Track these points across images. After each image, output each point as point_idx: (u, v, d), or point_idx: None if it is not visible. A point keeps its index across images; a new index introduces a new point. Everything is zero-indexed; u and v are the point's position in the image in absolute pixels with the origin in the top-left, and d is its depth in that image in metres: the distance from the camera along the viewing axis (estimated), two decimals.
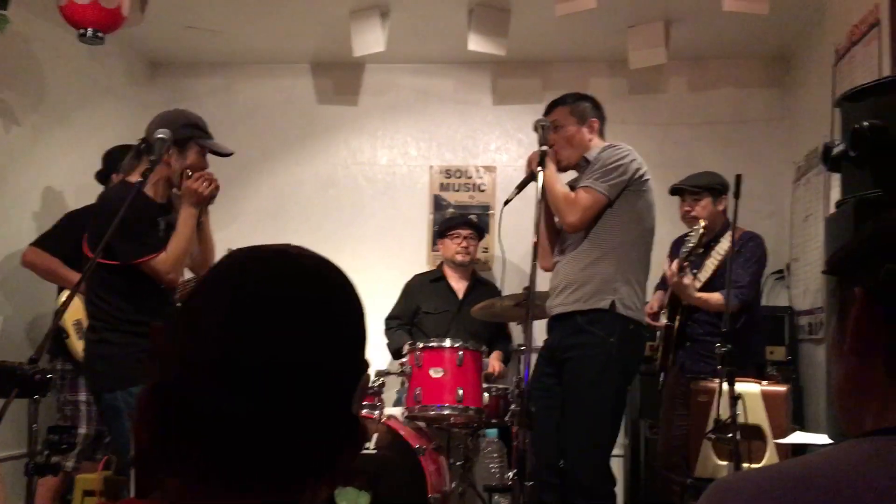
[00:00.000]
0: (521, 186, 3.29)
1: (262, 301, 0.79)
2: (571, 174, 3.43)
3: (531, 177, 3.25)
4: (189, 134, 3.02)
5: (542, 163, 2.97)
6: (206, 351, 0.78)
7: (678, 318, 3.83)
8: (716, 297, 3.67)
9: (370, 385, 3.73)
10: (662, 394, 4.00)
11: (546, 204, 3.13)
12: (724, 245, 3.71)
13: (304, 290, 0.82)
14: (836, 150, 2.44)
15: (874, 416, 0.86)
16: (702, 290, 3.73)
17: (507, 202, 3.26)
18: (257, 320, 0.78)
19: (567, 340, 3.15)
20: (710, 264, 3.75)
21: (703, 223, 3.63)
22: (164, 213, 3.09)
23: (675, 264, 3.70)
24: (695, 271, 3.78)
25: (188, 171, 3.02)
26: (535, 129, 3.14)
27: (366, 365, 0.85)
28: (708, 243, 3.82)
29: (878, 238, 0.89)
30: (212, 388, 0.76)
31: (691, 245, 3.61)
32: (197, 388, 0.77)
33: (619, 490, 4.60)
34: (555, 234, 3.39)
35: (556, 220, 3.34)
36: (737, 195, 3.09)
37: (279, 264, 0.83)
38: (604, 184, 3.13)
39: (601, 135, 3.35)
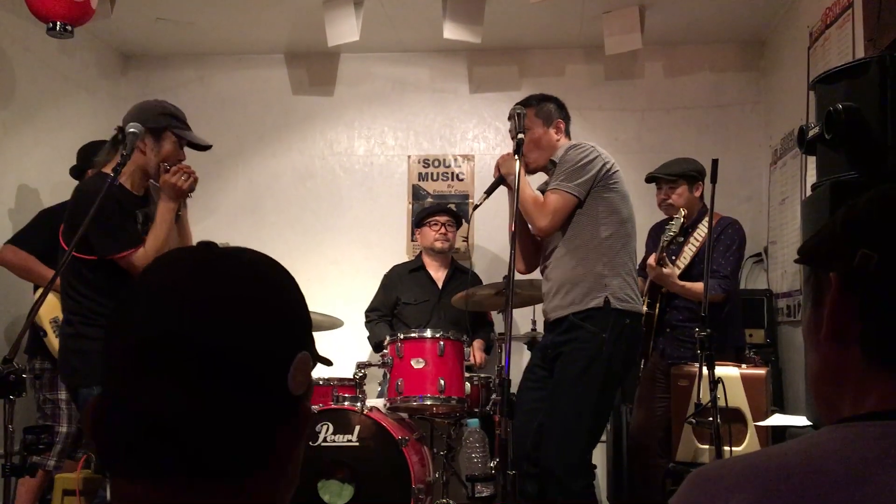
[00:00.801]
0: (489, 190, 3.27)
1: (180, 293, 0.80)
2: (541, 178, 3.42)
3: (500, 180, 3.25)
4: (165, 123, 2.98)
5: (518, 151, 2.95)
6: (131, 351, 0.79)
7: (658, 305, 3.85)
8: (699, 286, 3.67)
9: (354, 377, 3.71)
10: (640, 378, 4.02)
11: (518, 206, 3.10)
12: (702, 231, 3.74)
13: (223, 277, 0.83)
14: (811, 133, 2.45)
15: (851, 403, 0.86)
16: (680, 276, 3.75)
17: (476, 207, 3.26)
18: (174, 313, 0.79)
19: (560, 338, 3.13)
20: (689, 251, 3.76)
21: (683, 212, 3.64)
22: (141, 206, 3.05)
23: (653, 257, 3.71)
24: (673, 258, 3.80)
25: (165, 164, 2.98)
26: (511, 117, 3.13)
27: (303, 344, 0.85)
28: (686, 229, 3.84)
29: (851, 223, 0.88)
30: (144, 386, 0.77)
31: (672, 234, 3.63)
32: (130, 390, 0.78)
33: (602, 475, 4.63)
34: (529, 238, 3.36)
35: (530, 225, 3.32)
36: (714, 180, 3.09)
37: (198, 257, 0.85)
38: (571, 183, 3.11)
39: (567, 134, 3.35)
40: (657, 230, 3.98)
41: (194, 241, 3.22)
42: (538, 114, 3.28)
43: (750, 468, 0.80)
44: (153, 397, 0.76)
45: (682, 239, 3.75)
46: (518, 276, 3.06)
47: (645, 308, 3.86)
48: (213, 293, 0.80)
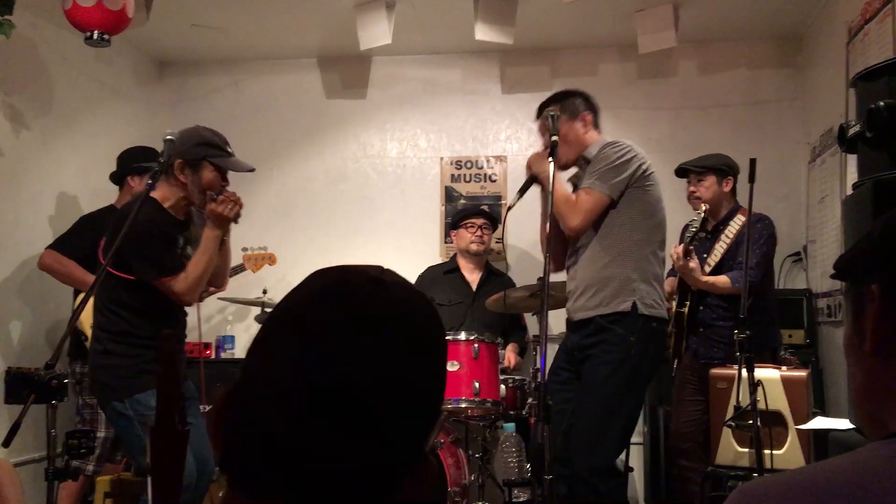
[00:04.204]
0: (522, 191, 3.21)
1: (347, 333, 0.79)
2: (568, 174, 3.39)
3: (532, 180, 3.20)
4: (202, 153, 2.96)
5: (552, 154, 2.92)
6: (282, 376, 0.78)
7: (688, 303, 3.81)
8: (722, 279, 3.66)
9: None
10: (675, 379, 3.98)
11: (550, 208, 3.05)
12: (732, 229, 3.71)
13: (391, 325, 0.81)
14: (851, 131, 2.41)
15: None
16: (711, 273, 3.72)
17: (509, 208, 3.23)
18: (339, 353, 0.78)
19: (587, 340, 3.11)
20: (719, 248, 3.73)
21: (704, 207, 3.61)
22: (182, 230, 3.07)
23: (680, 248, 3.67)
24: (704, 255, 3.76)
25: (211, 193, 2.97)
26: (545, 117, 3.10)
27: (442, 402, 0.85)
28: (716, 226, 3.80)
29: (891, 233, 0.86)
30: (285, 414, 0.77)
31: (694, 230, 3.60)
32: (270, 410, 0.77)
33: (639, 477, 4.60)
34: (561, 239, 3.29)
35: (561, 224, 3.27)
36: (751, 179, 3.05)
37: (370, 294, 0.82)
38: (605, 184, 3.06)
39: (596, 126, 3.29)
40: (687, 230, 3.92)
41: (231, 246, 3.25)
42: (563, 109, 3.22)
43: (795, 486, 0.78)
44: (302, 436, 0.76)
45: (709, 235, 3.71)
46: (553, 278, 3.04)
47: (675, 306, 3.82)
48: (384, 350, 0.79)
